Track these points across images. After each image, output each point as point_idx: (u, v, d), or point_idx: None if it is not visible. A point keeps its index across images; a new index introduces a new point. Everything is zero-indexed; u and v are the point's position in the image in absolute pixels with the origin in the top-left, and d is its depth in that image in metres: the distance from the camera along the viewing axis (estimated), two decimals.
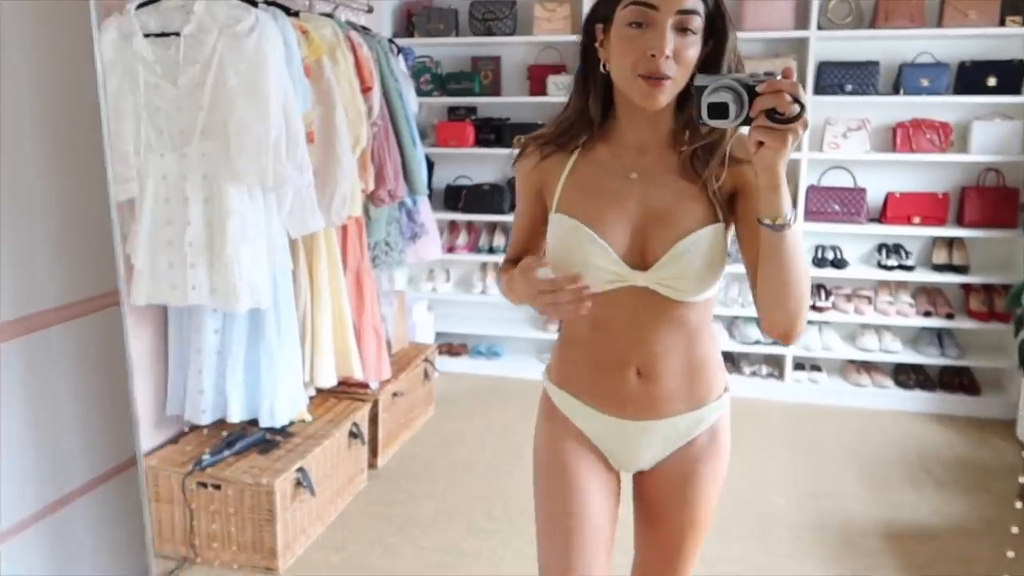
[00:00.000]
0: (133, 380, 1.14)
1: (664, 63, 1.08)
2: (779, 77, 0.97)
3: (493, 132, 4.00)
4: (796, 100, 0.96)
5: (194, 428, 2.55)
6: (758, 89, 0.98)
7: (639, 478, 1.36)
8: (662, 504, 1.32)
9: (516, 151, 1.31)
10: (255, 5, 2.25)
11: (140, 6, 2.17)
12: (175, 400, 2.50)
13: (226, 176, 2.15)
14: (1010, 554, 2.38)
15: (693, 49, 1.11)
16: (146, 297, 2.22)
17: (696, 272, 1.17)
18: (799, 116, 0.96)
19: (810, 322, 3.86)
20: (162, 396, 2.52)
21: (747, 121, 1.00)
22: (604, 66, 1.18)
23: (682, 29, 1.09)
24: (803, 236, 1.07)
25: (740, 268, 1.28)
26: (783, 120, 0.97)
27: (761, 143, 0.98)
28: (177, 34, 2.13)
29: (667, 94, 1.12)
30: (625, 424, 1.28)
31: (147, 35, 2.15)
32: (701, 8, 1.10)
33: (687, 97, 1.13)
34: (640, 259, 1.19)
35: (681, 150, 1.19)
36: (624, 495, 1.39)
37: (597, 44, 1.18)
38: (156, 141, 2.17)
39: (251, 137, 2.12)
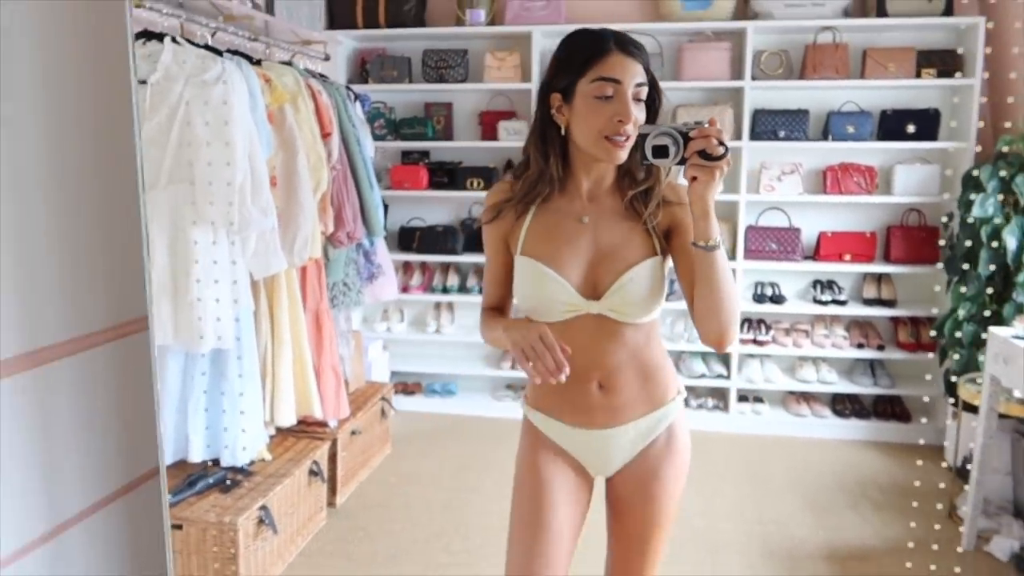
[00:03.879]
0: (159, 399, 1.18)
1: (628, 127, 1.29)
2: (707, 126, 1.20)
3: (446, 175, 4.13)
4: (721, 143, 1.19)
5: None
6: (691, 135, 1.21)
7: (609, 480, 1.52)
8: (628, 501, 1.48)
9: (488, 210, 1.45)
10: (220, 55, 2.33)
11: None
12: None
13: (192, 219, 2.21)
14: (932, 567, 2.54)
15: (643, 113, 1.33)
16: None
17: (639, 298, 1.36)
18: (723, 156, 1.20)
19: (751, 355, 4.04)
20: None
21: (682, 161, 1.23)
22: (564, 130, 1.36)
23: (637, 99, 1.31)
24: (727, 259, 1.30)
25: (683, 304, 1.48)
26: (711, 158, 1.19)
27: (695, 178, 1.21)
28: (144, 82, 2.20)
29: (626, 151, 1.32)
30: (593, 434, 1.45)
31: None
32: (646, 79, 1.33)
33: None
34: (593, 290, 1.38)
35: (625, 195, 1.40)
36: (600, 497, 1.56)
37: (555, 111, 1.35)
38: None
39: (218, 181, 2.19)
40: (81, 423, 1.07)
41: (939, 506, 3.02)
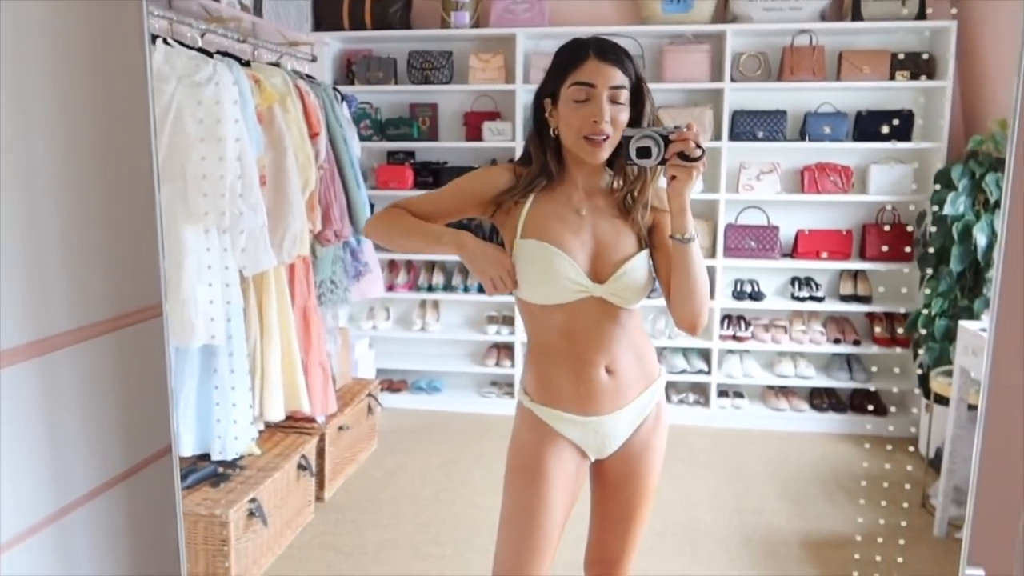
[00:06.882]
0: (171, 379, 1.24)
1: (603, 127, 1.40)
2: (685, 130, 1.34)
3: (431, 175, 4.18)
4: (698, 145, 1.33)
5: None
6: (671, 137, 1.34)
7: (599, 461, 1.59)
8: (619, 478, 1.58)
9: (485, 177, 1.53)
10: (210, 56, 2.38)
11: None
12: None
13: (183, 217, 2.25)
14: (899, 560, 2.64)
15: (624, 114, 1.44)
16: None
17: (637, 285, 1.49)
18: (700, 157, 1.34)
19: (731, 351, 4.12)
20: None
21: (663, 161, 1.36)
22: (554, 131, 1.48)
23: (614, 100, 1.41)
24: (700, 251, 1.44)
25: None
26: (689, 159, 1.33)
27: (674, 176, 1.36)
28: None
29: (606, 151, 1.44)
30: (603, 420, 1.53)
31: None
32: (627, 82, 1.43)
33: (619, 154, 1.45)
34: (595, 276, 1.48)
35: (617, 194, 1.52)
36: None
37: (547, 115, 1.48)
38: None
39: (209, 180, 2.23)
40: (87, 408, 1.12)
41: (907, 490, 3.11)
